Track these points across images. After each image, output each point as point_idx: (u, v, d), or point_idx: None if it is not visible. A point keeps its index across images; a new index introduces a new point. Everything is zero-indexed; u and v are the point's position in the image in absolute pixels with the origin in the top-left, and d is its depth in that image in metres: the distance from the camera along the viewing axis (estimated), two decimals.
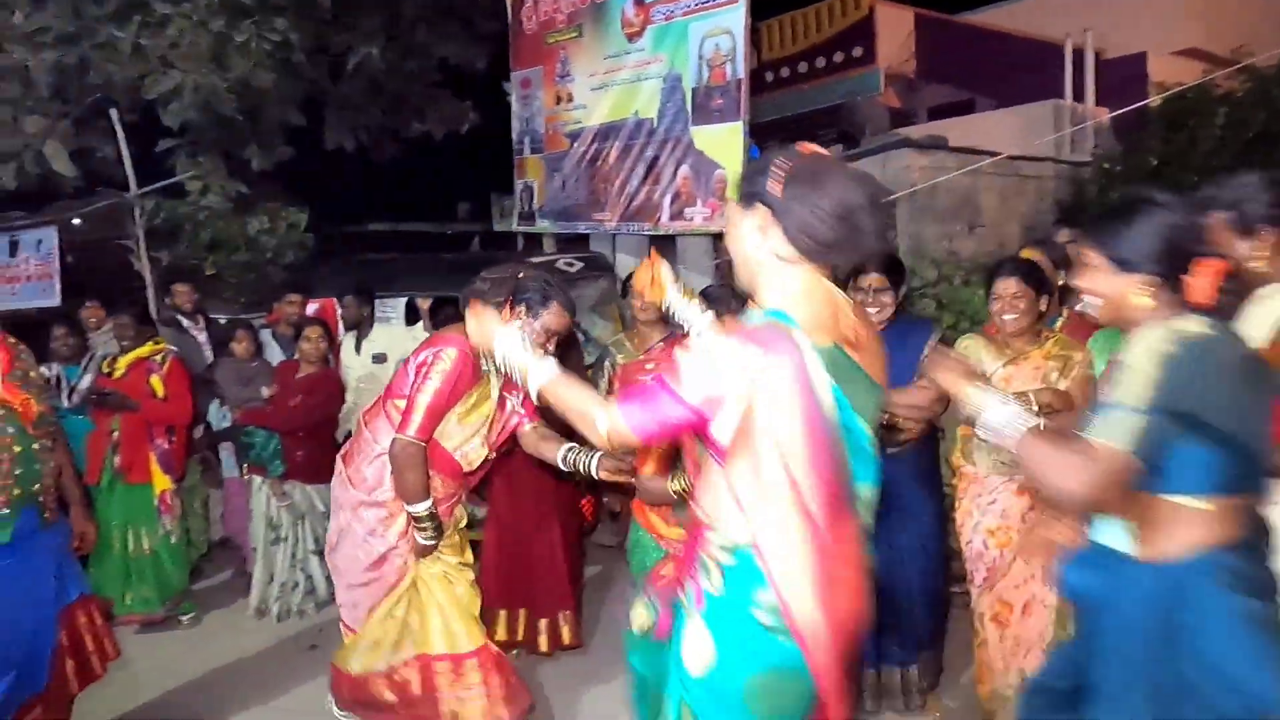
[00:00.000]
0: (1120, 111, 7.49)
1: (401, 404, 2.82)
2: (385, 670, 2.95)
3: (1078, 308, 3.79)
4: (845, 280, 3.39)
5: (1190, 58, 10.14)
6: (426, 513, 2.79)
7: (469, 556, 3.04)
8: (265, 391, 4.63)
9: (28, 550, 2.76)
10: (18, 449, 2.71)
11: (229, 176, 7.33)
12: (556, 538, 3.95)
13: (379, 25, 8.22)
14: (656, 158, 5.71)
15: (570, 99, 6.41)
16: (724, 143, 5.32)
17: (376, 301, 5.48)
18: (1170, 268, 1.75)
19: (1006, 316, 3.00)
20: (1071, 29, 9.76)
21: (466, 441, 2.90)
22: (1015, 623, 2.99)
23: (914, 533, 3.26)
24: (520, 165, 6.94)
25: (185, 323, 6.03)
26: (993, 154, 6.87)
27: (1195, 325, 1.69)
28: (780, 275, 1.69)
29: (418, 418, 2.74)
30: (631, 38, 5.83)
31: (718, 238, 5.87)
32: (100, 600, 3.37)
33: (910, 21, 11.72)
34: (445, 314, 4.85)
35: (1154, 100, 7.62)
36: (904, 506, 3.25)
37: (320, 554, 4.55)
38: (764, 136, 12.41)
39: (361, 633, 2.97)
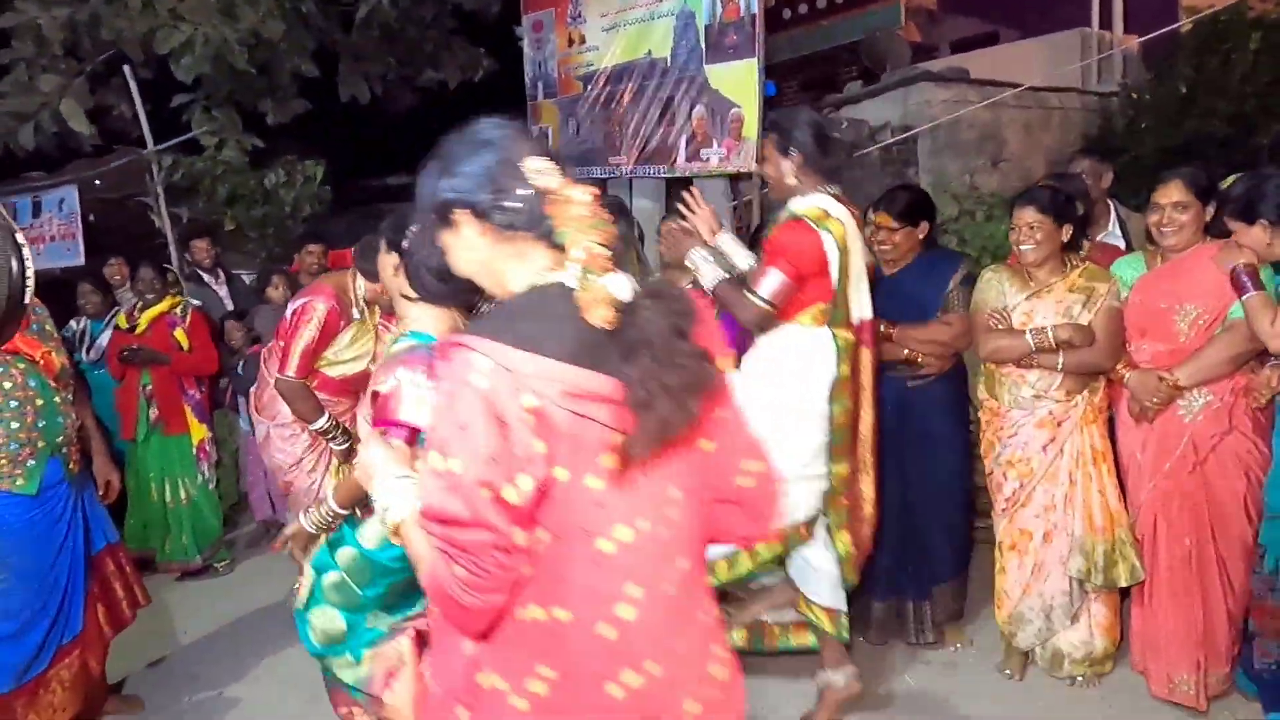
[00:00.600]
0: (1150, 37, 7.26)
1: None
2: None
3: (1099, 237, 3.76)
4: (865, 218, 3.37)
5: None
6: (326, 426, 3.43)
7: None
8: None
9: (54, 500, 2.85)
10: (40, 402, 2.77)
11: (244, 131, 7.30)
12: None
13: None
14: (671, 98, 5.62)
15: (583, 41, 6.30)
16: (739, 81, 5.21)
17: None
18: None
19: (1024, 247, 2.96)
20: None
21: (351, 367, 3.49)
22: (1034, 550, 3.00)
23: (934, 466, 3.27)
24: (534, 110, 6.86)
25: (205, 277, 6.09)
26: (1016, 86, 6.71)
27: None
28: None
29: (293, 360, 3.35)
30: None
31: (735, 178, 5.80)
32: (127, 548, 3.46)
33: None
34: None
35: (1185, 25, 7.39)
36: (925, 439, 3.26)
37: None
38: (784, 76, 12.22)
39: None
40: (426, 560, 1.24)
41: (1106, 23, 8.84)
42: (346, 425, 3.52)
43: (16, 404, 2.71)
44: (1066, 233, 2.97)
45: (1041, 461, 2.97)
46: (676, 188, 6.49)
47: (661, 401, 1.19)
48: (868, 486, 2.89)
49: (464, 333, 1.24)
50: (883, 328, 3.18)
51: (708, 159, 5.46)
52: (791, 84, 11.45)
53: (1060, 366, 2.91)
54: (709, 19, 5.32)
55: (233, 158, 7.10)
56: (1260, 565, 2.79)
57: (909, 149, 6.80)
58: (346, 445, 3.48)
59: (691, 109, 5.51)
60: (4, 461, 2.71)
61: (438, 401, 1.21)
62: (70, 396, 2.96)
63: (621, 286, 1.23)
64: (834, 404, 2.71)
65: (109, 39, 6.69)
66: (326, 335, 3.39)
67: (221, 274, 6.20)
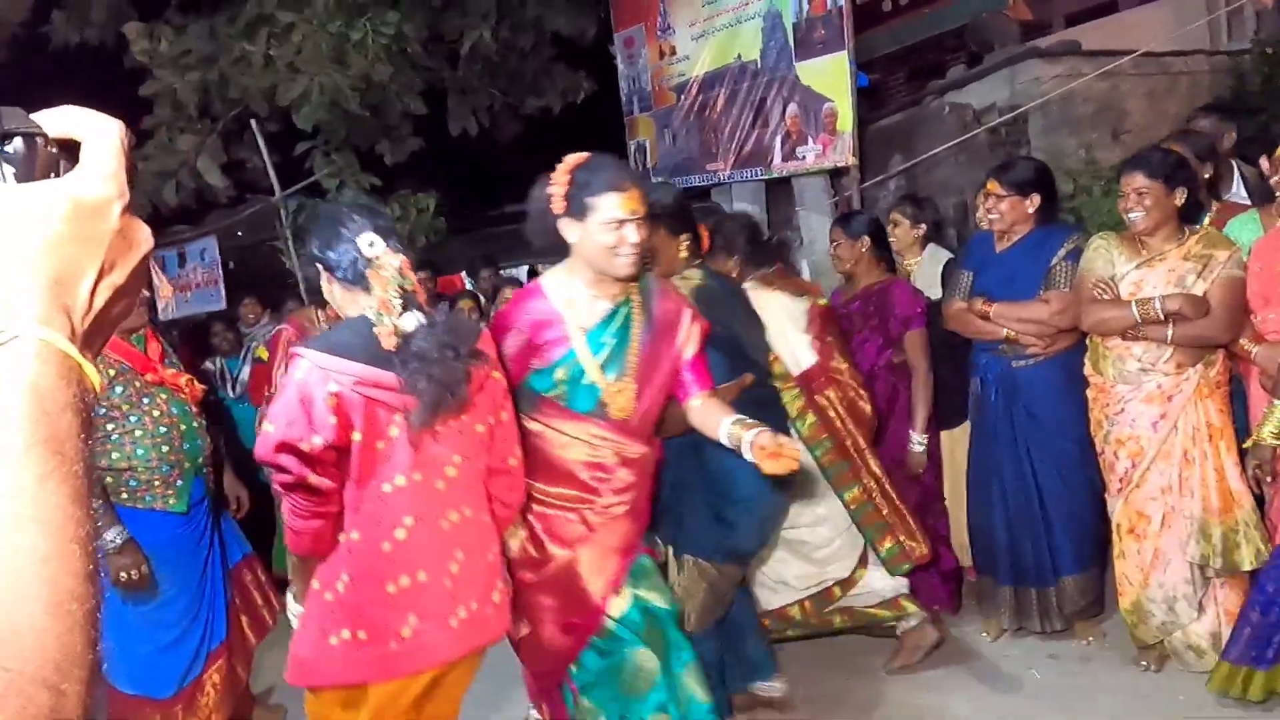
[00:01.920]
0: None
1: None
2: None
3: (1226, 196, 3.51)
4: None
5: None
6: None
7: None
8: None
9: (199, 517, 3.09)
10: (184, 427, 3.00)
11: (362, 171, 7.69)
12: None
13: (489, 6, 8.39)
14: (764, 99, 5.61)
15: (674, 52, 6.37)
16: (830, 75, 5.17)
17: (502, 271, 5.69)
18: None
19: (1133, 215, 2.80)
20: None
21: None
22: (1153, 535, 2.82)
23: (1048, 452, 3.12)
24: (631, 125, 6.97)
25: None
26: (1128, 52, 6.35)
27: None
28: None
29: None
30: None
31: (834, 174, 5.72)
32: (267, 565, 3.69)
33: None
34: None
35: None
36: (1037, 422, 3.12)
37: None
38: (888, 68, 11.94)
39: None
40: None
41: None
42: None
43: (165, 430, 2.93)
44: (1180, 197, 2.78)
45: (1152, 439, 2.79)
46: (775, 189, 6.46)
47: (427, 389, 1.77)
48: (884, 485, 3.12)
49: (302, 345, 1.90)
50: (980, 304, 3.08)
51: (804, 156, 5.42)
52: (898, 75, 11.18)
53: (1170, 339, 2.73)
54: (796, 16, 5.30)
55: (352, 198, 7.49)
56: None
57: (1019, 129, 6.53)
58: None
59: (785, 108, 5.49)
60: (158, 483, 2.92)
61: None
62: (204, 422, 3.21)
63: (408, 320, 1.83)
64: (813, 451, 2.89)
65: (236, 96, 7.20)
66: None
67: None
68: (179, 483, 2.97)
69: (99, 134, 0.55)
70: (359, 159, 7.83)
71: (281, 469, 1.81)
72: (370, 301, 1.87)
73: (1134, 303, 2.76)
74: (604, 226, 2.07)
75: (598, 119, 8.75)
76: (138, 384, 2.89)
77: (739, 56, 5.75)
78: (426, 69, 8.01)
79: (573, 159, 2.16)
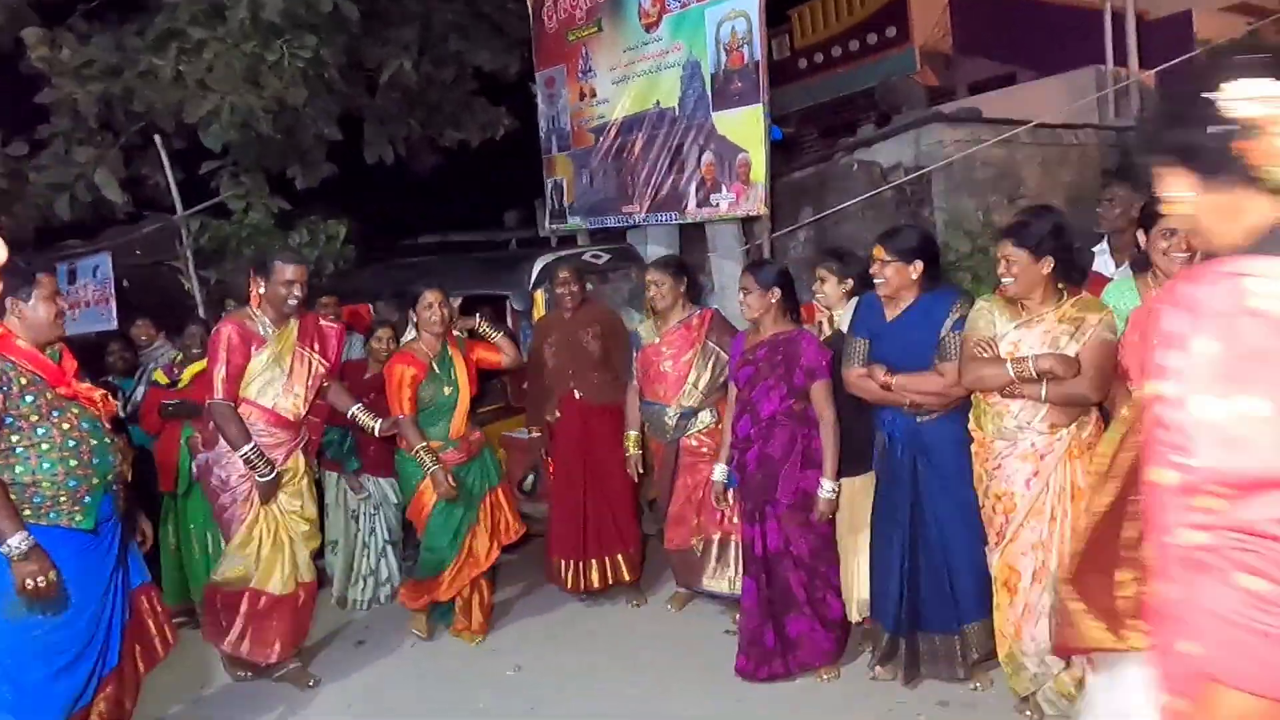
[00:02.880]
0: (1163, 68, 7.24)
1: None
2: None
3: (1094, 266, 3.70)
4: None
5: (1238, 13, 9.76)
6: (249, 454, 3.61)
7: (310, 510, 3.90)
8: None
9: (106, 536, 2.98)
10: (94, 442, 2.91)
11: (271, 194, 7.52)
12: (615, 487, 4.39)
13: (411, 37, 8.36)
14: (680, 146, 5.71)
15: (594, 94, 6.44)
16: (746, 126, 5.28)
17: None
18: None
19: (1005, 280, 2.93)
20: None
21: (276, 394, 3.72)
22: (1024, 589, 2.92)
23: (952, 500, 3.21)
24: (549, 164, 6.99)
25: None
26: (1024, 122, 6.71)
27: None
28: None
29: (217, 383, 3.64)
30: (649, 28, 5.83)
31: (746, 222, 5.84)
32: (158, 589, 3.52)
33: None
34: (479, 311, 4.92)
35: (1198, 54, 7.35)
36: (942, 473, 3.21)
37: (394, 544, 4.73)
38: (803, 122, 12.32)
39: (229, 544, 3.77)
40: None
41: (1121, 59, 8.83)
42: (276, 462, 3.73)
43: (75, 444, 2.85)
44: (1047, 265, 2.88)
45: (1025, 496, 2.89)
46: (689, 233, 6.56)
47: None
48: None
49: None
50: (881, 375, 3.16)
51: (718, 204, 5.52)
52: (811, 130, 11.58)
53: (1044, 397, 2.85)
54: (715, 68, 5.42)
55: (259, 221, 7.30)
56: None
57: (923, 189, 6.80)
58: (267, 479, 3.67)
59: (700, 156, 5.59)
60: (64, 499, 2.82)
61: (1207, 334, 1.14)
62: (116, 439, 3.10)
63: None
64: None
65: (141, 110, 6.97)
66: (236, 357, 3.67)
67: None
68: (86, 499, 2.88)
69: None
70: (269, 182, 7.65)
71: None
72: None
73: (1010, 361, 2.87)
74: None
75: (516, 155, 8.77)
76: (49, 396, 2.82)
77: (658, 103, 5.85)
78: (344, 95, 7.91)
79: None
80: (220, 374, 3.64)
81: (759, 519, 3.51)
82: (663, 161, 5.83)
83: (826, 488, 3.37)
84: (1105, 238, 4.06)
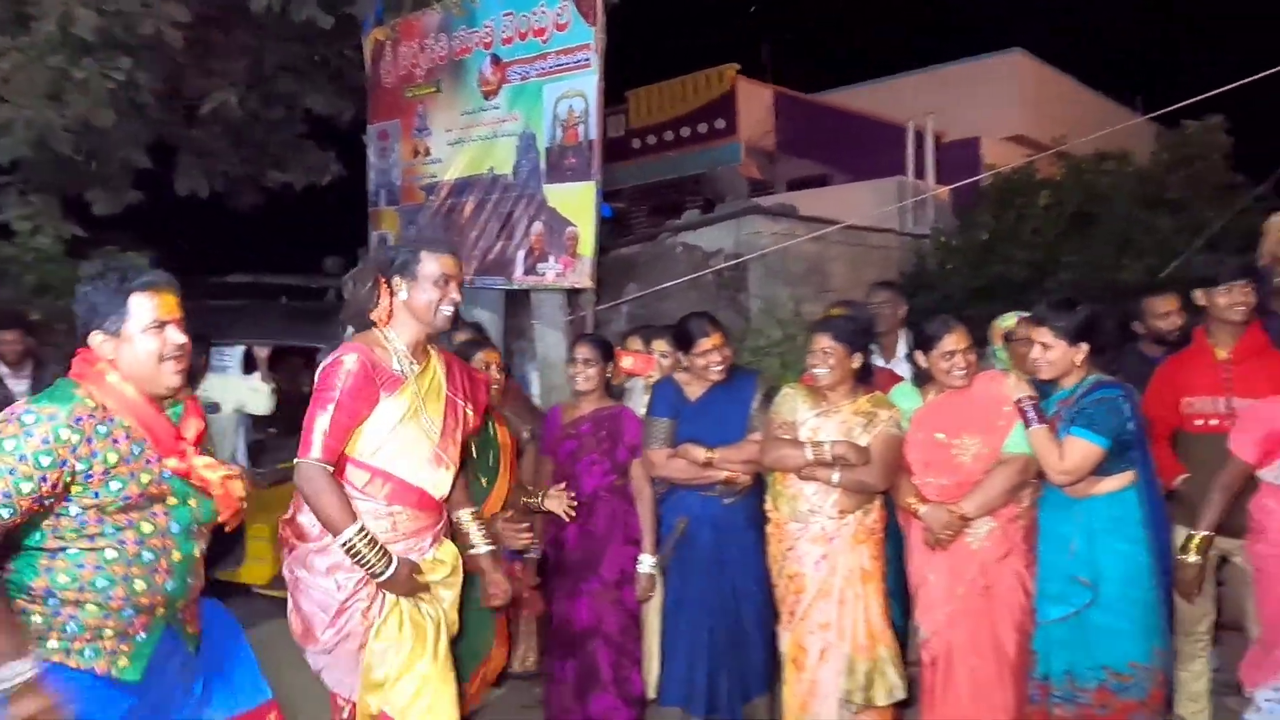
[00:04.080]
0: (954, 185, 8.02)
1: None
2: None
3: (890, 363, 4.02)
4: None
5: (1018, 144, 11.03)
6: (355, 540, 2.32)
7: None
8: None
9: (159, 684, 2.09)
10: (177, 555, 2.08)
11: (64, 218, 6.96)
12: None
13: (239, 71, 8.06)
14: (511, 213, 5.75)
15: (427, 152, 6.41)
16: (577, 201, 5.40)
17: (213, 350, 5.27)
18: None
19: (818, 370, 3.12)
20: (916, 112, 10.48)
21: (421, 460, 2.49)
22: (811, 667, 3.07)
23: (755, 576, 3.32)
24: (375, 217, 6.87)
25: (3, 370, 5.63)
26: (836, 223, 7.22)
27: None
28: None
29: (316, 437, 2.34)
30: (488, 95, 5.90)
31: (571, 293, 5.93)
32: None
33: (770, 98, 12.33)
34: (288, 364, 4.72)
35: (983, 179, 8.21)
36: (740, 551, 3.32)
37: None
38: (633, 200, 12.72)
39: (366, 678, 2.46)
40: None
41: (921, 173, 9.73)
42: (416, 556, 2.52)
43: (152, 556, 1.99)
44: (857, 360, 3.15)
45: (814, 577, 3.07)
46: (515, 299, 6.59)
47: None
48: None
49: None
50: (701, 452, 3.24)
51: (544, 273, 5.58)
52: (641, 208, 11.99)
53: (835, 481, 3.04)
54: (549, 141, 5.53)
55: (47, 245, 6.73)
56: (1034, 670, 2.96)
57: (741, 275, 7.16)
58: (384, 573, 2.38)
59: (530, 225, 5.65)
60: (110, 633, 1.95)
61: None
62: (203, 547, 2.15)
63: None
64: None
65: None
66: (358, 401, 2.39)
67: (29, 366, 5.72)
68: (140, 636, 2.00)
69: None
70: (63, 204, 7.08)
71: None
72: None
73: (808, 444, 3.06)
74: None
75: (344, 203, 8.56)
76: (145, 479, 1.97)
77: (492, 169, 5.89)
78: (158, 121, 7.49)
79: None
80: (324, 422, 2.34)
81: (574, 596, 3.48)
82: (493, 226, 5.86)
83: (647, 563, 3.39)
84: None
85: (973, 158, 10.02)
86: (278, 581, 3.85)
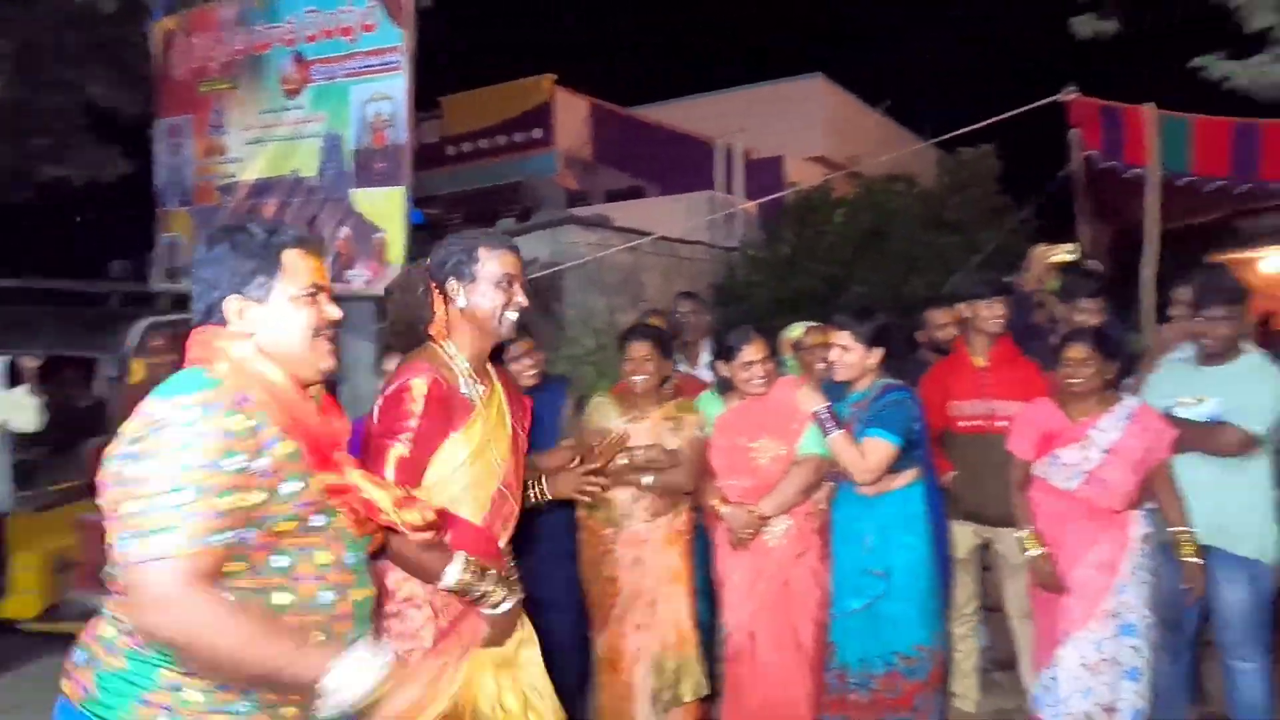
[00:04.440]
0: (760, 201, 8.41)
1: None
2: None
3: (694, 369, 4.18)
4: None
5: (819, 164, 11.70)
6: (464, 574, 1.97)
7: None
8: None
9: None
10: (355, 574, 1.70)
11: None
12: None
13: (6, 54, 7.35)
14: (316, 217, 5.53)
15: (224, 151, 6.06)
16: (386, 206, 5.27)
17: None
18: None
19: (637, 378, 3.20)
20: (726, 130, 10.92)
21: (487, 498, 2.10)
22: (627, 670, 3.14)
23: (564, 577, 3.34)
24: (165, 218, 6.42)
25: None
26: (649, 234, 7.41)
27: None
28: None
29: (389, 475, 1.93)
30: (290, 94, 5.65)
31: (380, 300, 5.77)
32: None
33: (586, 110, 12.47)
34: (61, 376, 4.33)
35: (787, 194, 8.66)
36: (557, 553, 3.34)
37: None
38: (449, 207, 12.52)
39: None
40: None
41: (730, 188, 10.13)
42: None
43: (332, 597, 1.58)
44: (669, 367, 3.28)
45: (628, 580, 3.15)
46: None
47: None
48: None
49: None
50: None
51: (351, 280, 5.40)
52: (455, 216, 11.80)
53: (647, 483, 3.14)
54: (357, 144, 5.37)
55: None
56: (831, 661, 3.14)
57: (557, 285, 7.20)
58: (508, 605, 2.08)
59: (337, 229, 5.46)
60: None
61: None
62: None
63: None
64: None
65: None
66: (434, 431, 2.01)
67: None
68: None
69: None
70: None
71: None
72: None
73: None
74: None
75: (129, 202, 7.94)
76: (310, 481, 1.55)
77: (295, 171, 5.64)
78: None
79: None
80: (394, 458, 1.95)
81: None
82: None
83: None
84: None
85: (777, 175, 10.54)
86: (49, 614, 3.53)
